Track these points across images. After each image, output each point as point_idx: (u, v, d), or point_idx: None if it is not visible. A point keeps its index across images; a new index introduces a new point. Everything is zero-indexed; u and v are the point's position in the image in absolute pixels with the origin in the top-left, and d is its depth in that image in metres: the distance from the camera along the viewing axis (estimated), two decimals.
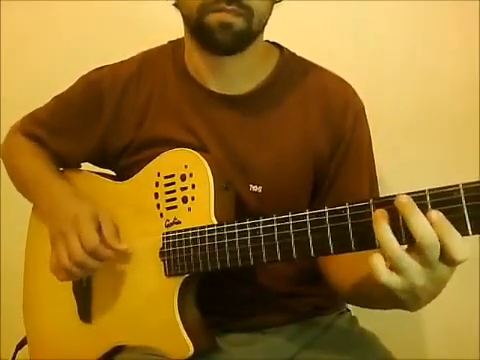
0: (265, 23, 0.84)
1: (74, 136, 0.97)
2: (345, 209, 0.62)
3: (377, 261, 0.57)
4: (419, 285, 0.57)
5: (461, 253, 0.54)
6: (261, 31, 0.86)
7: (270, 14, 0.84)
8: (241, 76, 0.89)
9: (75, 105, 0.97)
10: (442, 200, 0.55)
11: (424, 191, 0.56)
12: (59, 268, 0.85)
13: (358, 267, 0.72)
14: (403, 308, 0.65)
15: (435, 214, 0.54)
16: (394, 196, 0.57)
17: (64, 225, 0.84)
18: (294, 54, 0.94)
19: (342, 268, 0.81)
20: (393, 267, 0.57)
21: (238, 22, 0.78)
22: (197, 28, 0.81)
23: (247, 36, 0.82)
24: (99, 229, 0.84)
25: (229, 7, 0.77)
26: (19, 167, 1.02)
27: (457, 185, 0.54)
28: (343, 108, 0.89)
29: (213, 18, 0.78)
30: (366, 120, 0.92)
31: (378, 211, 0.58)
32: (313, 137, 0.88)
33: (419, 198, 0.56)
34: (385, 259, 0.57)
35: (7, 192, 1.05)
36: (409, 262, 0.56)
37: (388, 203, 0.58)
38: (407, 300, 0.60)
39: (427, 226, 0.54)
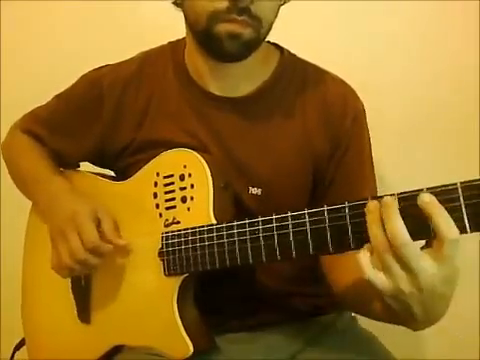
0: (271, 28, 0.84)
1: (73, 135, 0.97)
2: (344, 208, 0.62)
3: (363, 255, 0.59)
4: (406, 291, 0.57)
5: (452, 232, 0.54)
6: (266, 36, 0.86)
7: (276, 18, 0.84)
8: (242, 78, 0.89)
9: (75, 103, 0.97)
10: (440, 199, 0.55)
11: (422, 190, 0.56)
12: (61, 266, 0.85)
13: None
14: (401, 323, 0.65)
15: (428, 196, 0.55)
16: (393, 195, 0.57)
17: (63, 223, 0.85)
18: (294, 55, 0.94)
19: (347, 275, 0.80)
20: (380, 262, 0.58)
21: (247, 33, 0.78)
22: (204, 36, 0.81)
23: (255, 45, 0.82)
24: (98, 225, 0.84)
25: (240, 18, 0.77)
26: (19, 165, 1.02)
27: (455, 183, 0.55)
28: (342, 109, 0.89)
29: (222, 28, 0.78)
30: (365, 121, 0.92)
31: (371, 203, 0.58)
32: (312, 138, 0.88)
33: (417, 197, 0.56)
34: (371, 254, 0.59)
35: (7, 191, 1.05)
36: (392, 260, 0.57)
37: None
38: (400, 311, 0.60)
39: (399, 229, 0.55)
